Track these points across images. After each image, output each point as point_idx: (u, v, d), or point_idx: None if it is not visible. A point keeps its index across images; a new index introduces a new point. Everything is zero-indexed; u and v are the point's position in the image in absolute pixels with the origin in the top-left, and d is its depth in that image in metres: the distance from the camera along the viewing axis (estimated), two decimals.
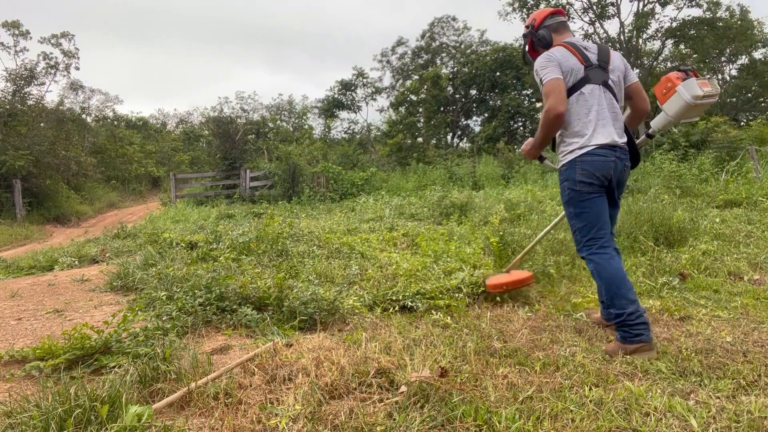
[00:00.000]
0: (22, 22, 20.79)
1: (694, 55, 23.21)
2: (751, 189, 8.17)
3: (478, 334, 2.70)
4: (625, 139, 2.61)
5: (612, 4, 21.29)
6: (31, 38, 20.89)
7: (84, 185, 21.46)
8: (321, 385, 2.01)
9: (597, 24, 22.01)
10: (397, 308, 3.26)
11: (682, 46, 23.13)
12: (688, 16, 21.10)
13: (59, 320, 3.23)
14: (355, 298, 3.38)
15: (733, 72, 25.71)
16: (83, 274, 4.67)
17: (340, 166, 16.25)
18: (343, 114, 27.61)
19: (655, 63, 23.67)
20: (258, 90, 61.63)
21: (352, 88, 26.65)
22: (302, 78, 64.16)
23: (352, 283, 3.88)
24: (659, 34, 21.88)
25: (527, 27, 2.92)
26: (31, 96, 19.27)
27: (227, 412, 1.87)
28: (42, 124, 18.83)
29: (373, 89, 27.22)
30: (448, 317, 3.03)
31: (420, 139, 24.11)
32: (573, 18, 22.24)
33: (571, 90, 2.56)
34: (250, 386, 2.08)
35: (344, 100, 26.73)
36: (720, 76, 25.93)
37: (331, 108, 26.68)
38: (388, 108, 26.44)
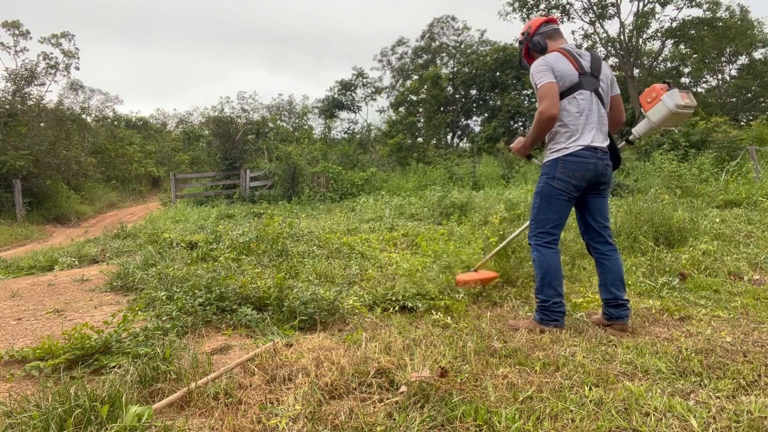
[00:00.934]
0: (22, 22, 20.81)
1: (694, 55, 23.22)
2: (751, 189, 8.17)
3: (478, 334, 2.70)
4: (607, 143, 2.81)
5: (612, 4, 21.29)
6: (31, 38, 20.92)
7: (84, 185, 21.46)
8: (321, 385, 2.01)
9: (597, 24, 22.01)
10: (397, 308, 3.26)
11: (682, 46, 23.14)
12: (688, 16, 21.12)
13: (59, 320, 3.24)
14: (355, 298, 3.38)
15: (733, 72, 25.72)
16: (83, 274, 4.68)
17: (340, 166, 16.25)
18: (343, 114, 27.64)
19: (655, 63, 23.68)
20: (258, 90, 61.66)
21: (352, 88, 26.66)
22: (302, 78, 64.20)
23: (352, 283, 3.88)
24: (659, 34, 21.89)
25: (523, 34, 3.06)
26: (31, 96, 19.29)
27: (227, 412, 1.87)
28: (42, 124, 18.83)
29: (373, 89, 27.24)
30: (448, 317, 3.03)
31: (420, 139, 24.12)
32: (573, 18, 22.26)
33: (565, 93, 2.72)
34: (250, 386, 2.08)
35: (344, 100, 26.75)
36: (720, 76, 25.96)
37: (331, 108, 26.69)
38: (388, 108, 26.44)
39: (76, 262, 5.68)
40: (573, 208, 2.90)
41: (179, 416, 1.87)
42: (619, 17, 21.15)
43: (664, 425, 1.74)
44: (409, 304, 3.27)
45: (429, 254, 4.67)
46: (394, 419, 1.79)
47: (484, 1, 40.21)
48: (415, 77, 25.76)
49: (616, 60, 22.61)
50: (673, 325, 2.85)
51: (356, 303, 3.26)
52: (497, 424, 1.74)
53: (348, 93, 26.70)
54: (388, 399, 1.93)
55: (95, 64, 58.60)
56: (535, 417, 1.80)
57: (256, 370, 2.22)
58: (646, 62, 23.25)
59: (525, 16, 22.32)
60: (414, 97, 24.17)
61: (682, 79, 25.81)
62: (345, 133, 27.93)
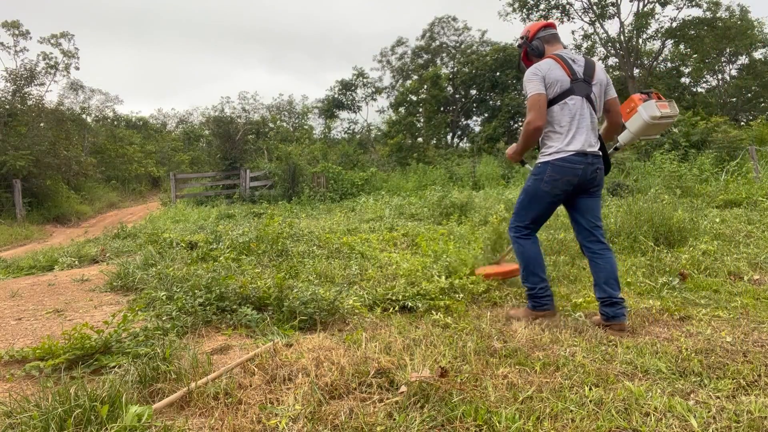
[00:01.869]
0: (22, 22, 20.81)
1: (694, 55, 23.22)
2: (751, 189, 8.17)
3: (478, 334, 2.70)
4: (597, 148, 2.87)
5: (612, 4, 21.29)
6: (31, 38, 20.92)
7: (84, 185, 21.46)
8: (321, 385, 2.01)
9: (597, 24, 22.01)
10: (397, 308, 3.26)
11: (682, 46, 23.14)
12: (688, 16, 21.10)
13: (59, 320, 3.23)
14: (355, 298, 3.38)
15: (733, 72, 25.71)
16: (83, 274, 4.67)
17: (340, 166, 16.26)
18: (343, 114, 27.63)
19: (655, 63, 23.68)
20: (258, 90, 61.61)
21: (352, 88, 26.66)
22: (302, 78, 64.19)
23: (352, 283, 3.88)
24: (659, 34, 21.88)
25: (522, 38, 3.12)
26: (31, 96, 19.28)
27: (227, 412, 1.87)
28: (42, 124, 18.83)
29: (373, 89, 27.24)
30: (448, 317, 3.03)
31: (420, 139, 24.11)
32: (573, 18, 22.26)
33: (557, 99, 2.81)
34: (250, 386, 2.08)
35: (344, 100, 26.74)
36: (720, 76, 25.95)
37: (331, 108, 26.69)
38: (388, 108, 26.44)
39: (76, 262, 5.68)
40: (565, 210, 3.02)
41: (179, 416, 1.87)
42: (619, 17, 21.16)
43: (664, 425, 1.74)
44: (409, 304, 3.27)
45: (429, 254, 4.67)
46: (394, 419, 1.79)
47: (485, 1, 40.19)
48: (415, 77, 25.75)
49: (616, 60, 22.62)
50: (673, 325, 2.85)
51: (356, 303, 3.26)
52: (497, 424, 1.74)
53: (348, 93, 26.69)
54: (388, 399, 1.93)
55: (95, 64, 58.64)
56: (535, 417, 1.80)
57: (256, 370, 2.22)
58: (646, 62, 23.25)
59: (525, 16, 22.33)
60: (414, 97, 24.16)
61: (682, 79, 25.83)
62: (345, 133, 27.93)
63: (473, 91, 26.55)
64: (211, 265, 4.30)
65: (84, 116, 27.22)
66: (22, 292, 4.11)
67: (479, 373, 2.17)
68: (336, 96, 26.57)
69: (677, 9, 20.92)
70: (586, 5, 21.60)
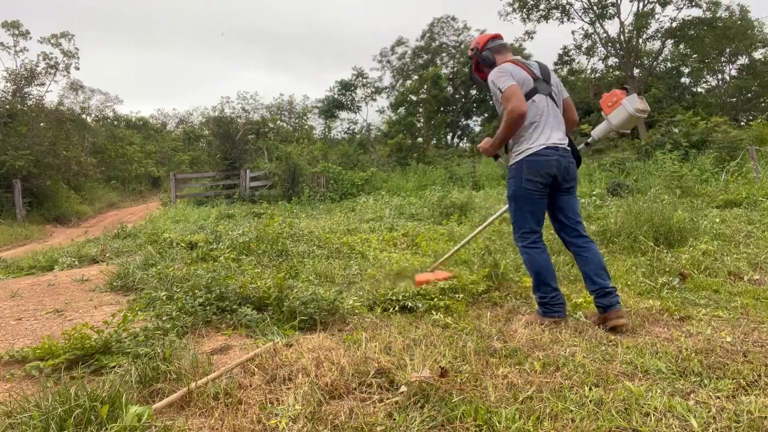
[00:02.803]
0: (22, 22, 20.81)
1: (694, 55, 23.21)
2: (751, 189, 8.17)
3: (478, 334, 2.70)
4: (566, 142, 2.97)
5: (612, 4, 21.28)
6: (30, 38, 20.92)
7: (84, 185, 21.46)
8: (321, 385, 2.01)
9: (597, 24, 22.00)
10: (397, 308, 3.26)
11: (681, 46, 23.13)
12: (688, 16, 21.08)
13: (59, 320, 3.24)
14: (355, 298, 3.38)
15: (733, 72, 25.72)
16: (83, 274, 4.67)
17: (340, 166, 16.26)
18: (343, 114, 27.60)
19: (655, 63, 23.68)
20: (258, 91, 61.55)
21: (352, 88, 26.63)
22: (301, 79, 64.17)
23: (352, 283, 3.87)
24: (659, 34, 21.87)
25: (472, 50, 3.26)
26: (31, 96, 19.29)
27: (227, 412, 1.87)
28: (42, 124, 18.83)
29: (373, 89, 27.22)
30: (448, 317, 3.03)
31: (420, 140, 24.10)
32: (573, 18, 22.25)
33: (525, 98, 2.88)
34: (250, 386, 2.08)
35: (344, 100, 26.71)
36: (720, 76, 25.95)
37: (331, 108, 26.66)
38: (388, 108, 26.43)
39: (76, 262, 5.68)
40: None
41: (179, 416, 1.87)
42: (619, 17, 21.14)
43: (664, 425, 1.74)
44: (409, 304, 3.27)
45: (429, 254, 4.67)
46: (394, 419, 1.79)
47: (484, 1, 40.18)
48: (415, 77, 25.74)
49: (616, 60, 22.61)
50: (673, 325, 2.85)
51: (356, 303, 3.26)
52: (497, 424, 1.74)
53: (348, 93, 26.67)
54: (388, 399, 1.93)
55: (94, 65, 58.61)
56: (535, 417, 1.80)
57: (256, 370, 2.22)
58: (646, 62, 23.24)
59: (525, 16, 22.32)
60: (414, 98, 24.16)
61: (682, 79, 25.82)
62: (345, 133, 27.91)
63: (473, 91, 26.54)
64: (211, 265, 4.31)
65: (84, 116, 27.20)
66: (22, 292, 4.11)
67: (479, 373, 2.16)
68: (336, 96, 26.56)
69: (677, 9, 20.92)
70: (586, 5, 21.60)
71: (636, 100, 3.04)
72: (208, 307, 3.10)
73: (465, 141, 27.13)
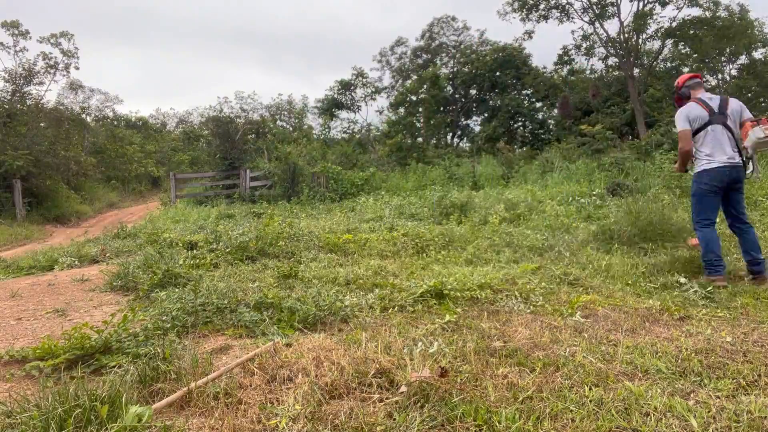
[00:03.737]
0: (22, 22, 20.78)
1: (694, 55, 23.21)
2: (751, 189, 8.16)
3: (478, 334, 2.70)
4: (737, 158, 4.01)
5: (612, 4, 21.27)
6: (30, 38, 20.87)
7: (84, 185, 21.44)
8: (321, 385, 2.01)
9: (597, 24, 22.00)
10: (396, 308, 3.26)
11: (681, 46, 23.12)
12: (688, 15, 21.06)
13: (59, 320, 3.23)
14: (355, 298, 3.38)
15: (733, 72, 25.72)
16: (83, 274, 4.67)
17: (340, 166, 16.25)
18: (343, 114, 27.58)
19: (655, 63, 23.68)
20: (255, 91, 61.49)
21: (352, 87, 26.61)
22: (301, 80, 64.04)
23: (352, 283, 3.87)
24: (659, 34, 21.87)
25: (676, 85, 4.42)
26: (30, 96, 19.26)
27: (227, 412, 1.87)
28: (42, 124, 18.82)
29: (373, 89, 27.21)
30: (448, 317, 3.03)
31: (420, 139, 24.10)
32: (573, 18, 22.25)
33: (701, 129, 4.01)
34: (250, 386, 2.08)
35: (344, 99, 26.70)
36: (720, 76, 25.95)
37: (330, 108, 26.65)
38: (388, 108, 26.41)
39: (76, 262, 5.68)
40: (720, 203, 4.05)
41: (179, 416, 1.87)
42: (618, 17, 21.13)
43: (664, 425, 1.74)
44: (409, 304, 3.27)
45: (439, 260, 4.66)
46: (394, 419, 1.79)
47: (484, 1, 40.16)
48: (415, 77, 25.73)
49: (616, 60, 22.61)
50: (673, 325, 2.85)
51: (356, 303, 3.25)
52: (497, 424, 1.74)
53: (347, 93, 26.65)
54: (388, 399, 1.93)
55: (94, 65, 58.56)
56: (535, 417, 1.80)
57: (256, 370, 2.22)
58: (645, 62, 23.24)
59: (524, 15, 22.30)
60: (413, 98, 24.15)
61: None
62: (344, 132, 27.89)
63: (473, 91, 26.56)
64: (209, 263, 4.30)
65: (84, 116, 27.20)
66: (22, 292, 4.11)
67: (479, 373, 2.16)
68: (335, 96, 26.54)
69: (677, 9, 20.91)
70: (585, 5, 21.58)
71: (759, 130, 4.01)
72: (208, 307, 3.10)
73: (465, 141, 27.14)
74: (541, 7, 22.07)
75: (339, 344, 2.50)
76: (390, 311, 3.23)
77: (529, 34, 23.36)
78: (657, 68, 24.40)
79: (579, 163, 13.45)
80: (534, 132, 24.86)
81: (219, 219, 10.46)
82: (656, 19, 21.16)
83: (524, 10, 22.21)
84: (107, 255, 5.88)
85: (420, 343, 2.47)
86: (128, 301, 3.65)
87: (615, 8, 21.30)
